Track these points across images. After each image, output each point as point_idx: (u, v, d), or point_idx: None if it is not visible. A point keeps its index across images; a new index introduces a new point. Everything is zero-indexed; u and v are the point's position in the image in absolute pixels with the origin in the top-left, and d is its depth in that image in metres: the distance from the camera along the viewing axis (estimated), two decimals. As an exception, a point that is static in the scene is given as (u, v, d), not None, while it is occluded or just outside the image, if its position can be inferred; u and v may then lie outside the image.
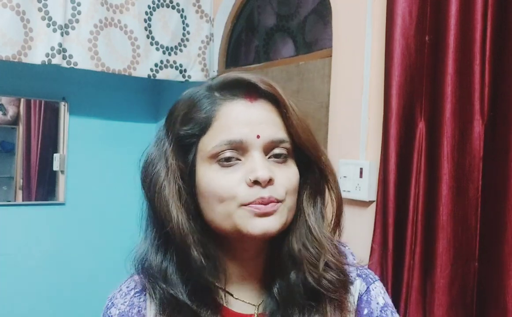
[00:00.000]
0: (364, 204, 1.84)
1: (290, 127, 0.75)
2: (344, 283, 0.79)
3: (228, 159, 0.73)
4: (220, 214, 0.73)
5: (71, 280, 2.84)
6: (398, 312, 1.66)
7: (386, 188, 1.63)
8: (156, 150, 0.77)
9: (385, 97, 1.67)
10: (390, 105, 1.63)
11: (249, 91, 0.75)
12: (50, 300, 2.81)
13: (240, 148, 0.73)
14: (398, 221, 1.62)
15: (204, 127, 0.74)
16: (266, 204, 0.72)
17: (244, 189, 0.72)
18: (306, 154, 0.77)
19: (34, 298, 2.77)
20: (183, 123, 0.76)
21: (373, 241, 1.71)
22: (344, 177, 1.87)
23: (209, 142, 0.73)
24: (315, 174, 0.79)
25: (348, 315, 0.79)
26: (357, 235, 1.79)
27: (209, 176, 0.73)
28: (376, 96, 1.80)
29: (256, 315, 0.79)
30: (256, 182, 0.72)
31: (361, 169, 1.83)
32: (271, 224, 0.72)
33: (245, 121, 0.73)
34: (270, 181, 0.72)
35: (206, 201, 0.74)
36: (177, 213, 0.73)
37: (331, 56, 2.04)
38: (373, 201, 1.80)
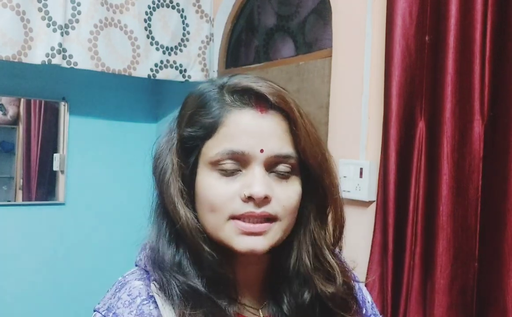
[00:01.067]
0: (364, 204, 1.84)
1: (298, 144, 0.73)
2: (354, 297, 0.80)
3: (228, 169, 0.71)
4: (210, 224, 0.73)
5: (71, 280, 2.84)
6: (398, 312, 1.67)
7: (386, 188, 1.63)
8: (166, 143, 0.76)
9: (385, 97, 1.67)
10: (390, 105, 1.63)
11: (260, 101, 0.72)
12: (50, 300, 2.81)
13: (242, 160, 0.71)
14: (398, 221, 1.62)
15: (210, 131, 0.73)
16: (256, 218, 0.71)
17: (237, 202, 0.71)
18: (311, 173, 0.75)
19: (34, 298, 2.77)
20: (189, 124, 0.75)
21: (373, 241, 1.71)
22: (344, 177, 1.87)
23: (213, 148, 0.72)
24: (321, 193, 0.77)
25: None
26: (357, 235, 1.79)
27: (207, 182, 0.72)
28: (376, 96, 1.80)
29: None
30: (250, 198, 0.70)
31: (361, 169, 1.83)
32: (259, 244, 0.71)
33: (251, 132, 0.71)
34: (266, 199, 0.71)
35: (201, 207, 0.73)
36: (184, 212, 0.72)
37: (331, 56, 2.04)
38: (373, 201, 1.80)
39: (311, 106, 2.14)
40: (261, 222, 0.71)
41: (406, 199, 1.60)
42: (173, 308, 0.71)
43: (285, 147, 0.73)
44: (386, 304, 1.64)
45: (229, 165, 0.71)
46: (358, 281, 0.87)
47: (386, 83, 1.66)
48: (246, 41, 2.73)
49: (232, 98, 0.73)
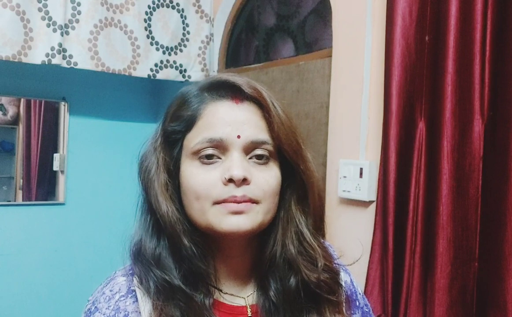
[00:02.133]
0: (364, 204, 1.84)
1: (272, 130, 0.77)
2: (338, 282, 0.83)
3: (208, 157, 0.75)
4: (196, 211, 0.76)
5: (71, 280, 2.84)
6: (398, 312, 1.67)
7: (386, 188, 1.63)
8: (150, 145, 0.81)
9: (385, 97, 1.67)
10: (390, 105, 1.63)
11: (236, 93, 0.77)
12: (50, 300, 2.81)
13: (220, 147, 0.75)
14: (398, 221, 1.62)
15: (190, 124, 0.77)
16: (238, 202, 0.74)
17: (219, 187, 0.74)
18: (287, 159, 0.78)
19: (34, 298, 2.77)
20: (172, 120, 0.80)
21: (373, 241, 1.71)
22: (344, 177, 1.87)
23: (192, 139, 0.77)
24: (299, 179, 0.80)
25: (342, 308, 0.83)
26: (357, 235, 1.79)
27: (190, 172, 0.76)
28: (376, 96, 1.80)
29: (248, 306, 0.81)
30: (230, 181, 0.74)
31: (361, 169, 1.83)
32: (243, 223, 0.74)
33: (228, 121, 0.76)
34: (245, 181, 0.74)
35: (186, 196, 0.77)
36: (165, 204, 0.76)
37: (331, 56, 2.04)
38: (373, 201, 1.80)
39: (311, 106, 2.14)
40: (243, 202, 0.74)
41: (406, 199, 1.60)
42: (150, 299, 0.75)
43: (261, 133, 0.77)
44: (386, 304, 1.64)
45: (209, 153, 0.75)
46: (349, 273, 0.91)
47: (386, 83, 1.66)
48: (246, 41, 2.73)
49: (210, 92, 0.79)
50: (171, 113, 0.81)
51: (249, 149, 0.76)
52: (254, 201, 0.75)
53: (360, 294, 0.92)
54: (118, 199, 2.97)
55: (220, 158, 0.76)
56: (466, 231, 1.48)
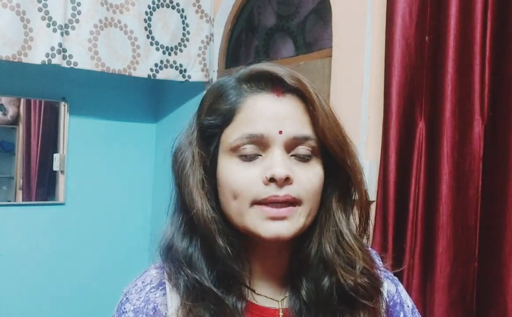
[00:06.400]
0: (364, 204, 1.84)
1: (316, 125, 0.73)
2: (377, 288, 0.78)
3: (248, 154, 0.71)
4: (233, 211, 0.72)
5: (71, 280, 2.84)
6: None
7: (386, 188, 1.63)
8: (185, 137, 0.77)
9: (385, 97, 1.67)
10: (390, 105, 1.63)
11: (276, 85, 0.73)
12: (50, 300, 2.81)
13: (261, 143, 0.71)
14: (398, 221, 1.62)
15: (228, 118, 0.73)
16: (280, 202, 0.70)
17: (259, 186, 0.70)
18: (332, 155, 0.74)
19: (34, 298, 2.77)
20: (208, 113, 0.75)
21: (373, 241, 1.71)
22: (344, 177, 1.87)
23: (231, 134, 0.72)
24: (343, 176, 0.76)
25: None
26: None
27: (228, 169, 0.72)
28: (376, 96, 1.80)
29: (281, 310, 0.77)
30: (272, 180, 0.70)
31: (361, 169, 1.83)
32: (284, 229, 0.71)
33: (269, 115, 0.71)
34: (287, 180, 0.70)
35: (223, 194, 0.73)
36: (201, 202, 0.72)
37: (331, 56, 2.04)
38: (373, 201, 1.80)
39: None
40: (284, 206, 0.70)
41: (406, 199, 1.60)
42: (179, 295, 0.73)
43: (304, 128, 0.72)
44: (386, 304, 1.63)
45: (248, 149, 0.71)
46: (397, 283, 0.86)
47: (386, 83, 1.66)
48: (246, 41, 2.73)
49: (249, 84, 0.74)
50: (207, 105, 0.76)
51: (291, 145, 0.72)
52: (297, 201, 0.71)
53: (409, 306, 0.85)
54: (118, 199, 2.98)
55: (261, 155, 0.71)
56: (466, 231, 1.48)
